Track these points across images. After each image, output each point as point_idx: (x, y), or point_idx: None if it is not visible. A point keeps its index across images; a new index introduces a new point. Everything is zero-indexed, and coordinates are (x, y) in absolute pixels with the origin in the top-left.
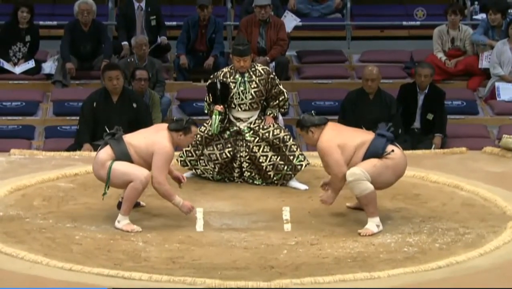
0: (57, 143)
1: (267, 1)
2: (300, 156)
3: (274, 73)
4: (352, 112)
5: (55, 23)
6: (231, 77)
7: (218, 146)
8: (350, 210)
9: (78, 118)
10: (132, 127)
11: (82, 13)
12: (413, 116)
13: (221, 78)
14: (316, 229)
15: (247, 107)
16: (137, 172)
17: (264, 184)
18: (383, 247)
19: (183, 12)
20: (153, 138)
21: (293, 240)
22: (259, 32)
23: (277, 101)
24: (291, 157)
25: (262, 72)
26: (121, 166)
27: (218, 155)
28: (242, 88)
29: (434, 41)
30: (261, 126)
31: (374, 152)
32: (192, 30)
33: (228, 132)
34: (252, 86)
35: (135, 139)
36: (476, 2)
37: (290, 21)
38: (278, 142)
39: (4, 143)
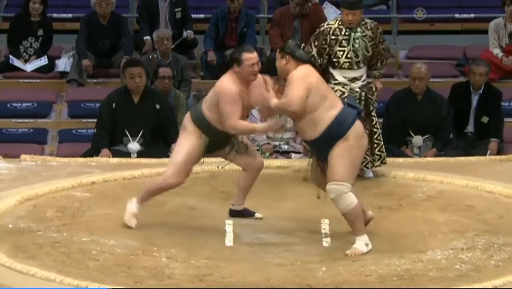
0: (72, 148)
1: None
2: (381, 152)
3: (380, 28)
4: (398, 114)
5: (70, 15)
6: (342, 33)
7: None
8: (396, 224)
9: (95, 120)
10: (155, 131)
11: (100, 4)
12: (466, 119)
13: (331, 36)
14: None
15: (362, 64)
16: (174, 168)
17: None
18: (432, 264)
19: (211, 3)
20: (216, 88)
21: (333, 256)
22: (294, 25)
23: (382, 60)
24: (374, 146)
25: (372, 25)
26: (181, 143)
27: None
28: (357, 45)
29: (489, 36)
30: (369, 92)
31: (343, 121)
32: (222, 24)
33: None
34: (368, 41)
35: (208, 95)
36: None
37: (330, 13)
38: (374, 124)
39: (14, 148)
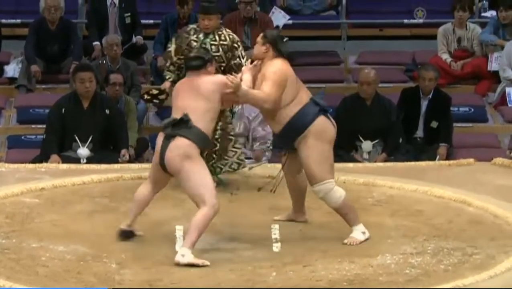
0: (21, 154)
1: None
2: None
3: (239, 44)
4: (347, 119)
5: (19, 21)
6: (195, 35)
7: None
8: (346, 229)
9: (44, 126)
10: (105, 136)
11: (49, 10)
12: (415, 124)
13: (185, 34)
14: (309, 249)
15: None
16: (212, 194)
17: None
18: (382, 268)
19: (161, 9)
20: (199, 93)
21: (283, 261)
22: (244, 30)
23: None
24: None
25: (227, 37)
26: (199, 170)
27: None
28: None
29: (438, 41)
30: None
31: (302, 117)
32: (171, 29)
33: None
34: (213, 50)
35: (191, 107)
36: None
37: (279, 18)
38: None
39: None
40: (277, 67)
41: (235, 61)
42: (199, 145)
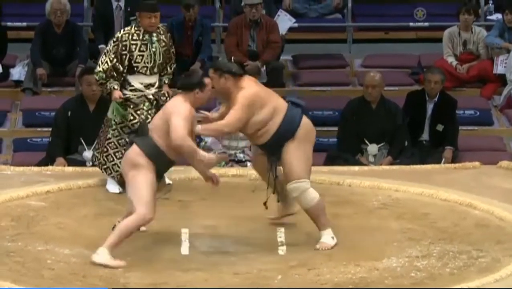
0: (26, 157)
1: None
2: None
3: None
4: (353, 123)
5: (25, 24)
6: (140, 38)
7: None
8: (351, 232)
9: (50, 129)
10: None
11: (55, 13)
12: (421, 127)
13: (129, 41)
14: (314, 253)
15: (157, 69)
16: (147, 205)
17: None
18: (388, 272)
19: (166, 12)
20: (167, 110)
21: (289, 265)
22: (250, 34)
23: (172, 66)
24: None
25: (164, 29)
26: (140, 180)
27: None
28: (154, 49)
29: (444, 44)
30: (161, 99)
31: (289, 124)
32: (177, 32)
33: (144, 114)
34: (162, 45)
35: (154, 124)
36: (491, 1)
37: (284, 21)
38: None
39: None
40: (245, 93)
41: (172, 50)
42: (149, 158)
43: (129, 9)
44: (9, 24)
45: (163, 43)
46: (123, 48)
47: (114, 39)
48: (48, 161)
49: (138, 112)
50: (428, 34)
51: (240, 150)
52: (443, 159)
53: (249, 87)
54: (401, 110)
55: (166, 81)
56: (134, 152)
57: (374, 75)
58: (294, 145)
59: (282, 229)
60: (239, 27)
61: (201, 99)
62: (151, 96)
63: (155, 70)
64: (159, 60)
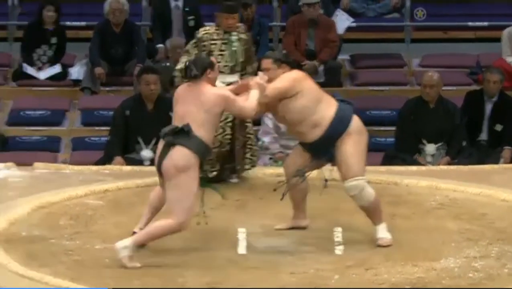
0: (85, 156)
1: None
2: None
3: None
4: (411, 123)
5: (83, 23)
6: (220, 37)
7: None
8: (409, 232)
9: (108, 128)
10: None
11: (113, 12)
12: (479, 127)
13: (210, 41)
14: (372, 252)
15: (239, 67)
16: (187, 213)
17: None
18: (445, 272)
19: None
20: (200, 102)
21: (346, 264)
22: (308, 33)
23: (253, 65)
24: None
25: (243, 29)
26: (191, 185)
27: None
28: (234, 48)
29: (503, 44)
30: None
31: (342, 118)
32: None
33: None
34: (242, 44)
35: (194, 121)
36: None
37: (342, 21)
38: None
39: (27, 156)
40: (290, 74)
41: (253, 49)
42: (199, 156)
43: (187, 9)
44: (67, 23)
45: (243, 42)
46: (204, 48)
47: (195, 40)
48: (106, 160)
49: None
50: (487, 33)
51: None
52: (502, 159)
53: (297, 74)
54: (459, 110)
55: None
56: (182, 153)
57: (432, 74)
58: (351, 142)
59: (340, 229)
60: (297, 26)
61: (213, 79)
62: None
63: (237, 68)
64: (241, 58)
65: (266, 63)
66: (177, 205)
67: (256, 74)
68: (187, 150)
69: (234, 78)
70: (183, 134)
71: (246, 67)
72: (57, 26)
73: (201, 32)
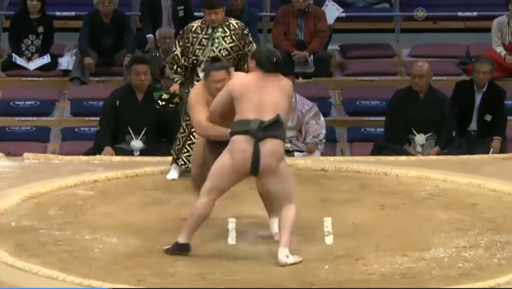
0: (74, 146)
1: None
2: None
3: (248, 30)
4: (401, 113)
5: (73, 13)
6: (203, 32)
7: None
8: (398, 222)
9: (98, 118)
10: (158, 129)
11: (102, 2)
12: (469, 117)
13: (193, 34)
14: (361, 242)
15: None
16: (294, 190)
17: None
18: (435, 262)
19: None
20: (284, 87)
21: (335, 254)
22: (298, 23)
23: (246, 64)
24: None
25: (236, 26)
26: (290, 173)
27: None
28: (216, 44)
29: (493, 34)
30: None
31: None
32: None
33: None
34: (227, 42)
35: (281, 109)
36: None
37: (332, 11)
38: None
39: (17, 146)
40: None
41: (248, 47)
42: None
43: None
44: (57, 13)
45: (230, 40)
46: (186, 41)
47: (181, 32)
48: (96, 150)
49: None
50: (476, 23)
51: (287, 140)
52: (491, 149)
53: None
54: (449, 100)
55: None
56: (278, 145)
57: (422, 64)
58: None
59: (329, 219)
60: (287, 16)
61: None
62: None
63: None
64: (224, 56)
65: (220, 74)
66: (289, 191)
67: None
68: (280, 140)
69: None
70: (275, 125)
71: (238, 64)
72: (42, 15)
73: (189, 25)
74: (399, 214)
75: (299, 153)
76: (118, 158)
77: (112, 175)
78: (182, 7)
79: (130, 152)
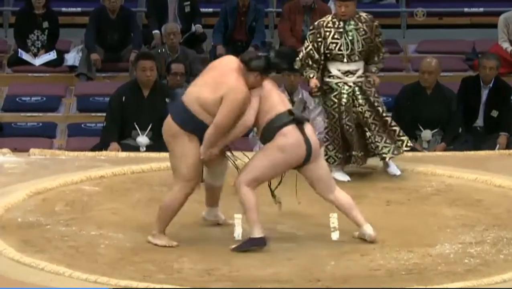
0: (81, 142)
1: None
2: (402, 136)
3: (377, 22)
4: (407, 108)
5: (79, 9)
6: (335, 26)
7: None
8: (404, 218)
9: (104, 114)
10: None
11: None
12: (475, 113)
13: (325, 28)
14: None
15: (356, 57)
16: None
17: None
18: (441, 258)
19: None
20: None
21: (342, 250)
22: (303, 19)
23: (380, 55)
24: (392, 133)
25: (367, 18)
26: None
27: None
28: (350, 37)
29: (499, 30)
30: (366, 85)
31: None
32: (230, 18)
33: (344, 97)
34: (361, 34)
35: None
36: None
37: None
38: (382, 113)
39: (23, 142)
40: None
41: (378, 40)
42: None
43: None
44: (63, 9)
45: (363, 32)
46: (318, 36)
47: (311, 27)
48: (102, 146)
49: (337, 96)
50: (483, 19)
51: None
52: (498, 145)
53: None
54: (455, 96)
55: (373, 70)
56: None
57: (430, 60)
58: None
59: (335, 215)
60: (293, 12)
61: (255, 85)
62: (351, 84)
63: (355, 58)
64: (358, 48)
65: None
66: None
67: (381, 62)
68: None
69: (352, 66)
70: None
71: (373, 57)
72: (47, 10)
73: (322, 22)
74: (404, 210)
75: None
76: (124, 154)
77: (119, 171)
78: (189, 2)
79: (136, 148)
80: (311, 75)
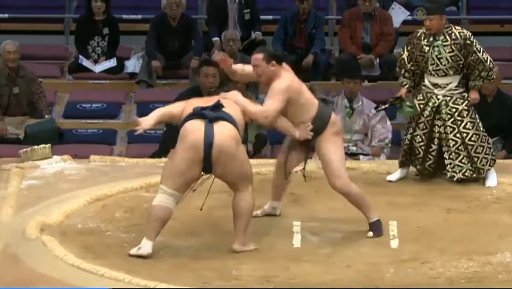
0: (141, 149)
1: None
2: (484, 159)
3: (472, 39)
4: None
5: (140, 17)
6: (425, 40)
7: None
8: (465, 226)
9: None
10: None
11: (170, 6)
12: None
13: (416, 40)
14: (426, 246)
15: (443, 72)
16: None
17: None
18: (502, 266)
19: (280, 5)
20: None
21: (401, 258)
22: (364, 26)
23: (477, 72)
24: (475, 159)
25: (458, 36)
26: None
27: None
28: (436, 53)
29: None
30: (457, 101)
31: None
32: (290, 25)
33: (428, 109)
34: (447, 51)
35: None
36: None
37: (398, 14)
38: (469, 133)
39: (83, 148)
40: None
41: (471, 58)
42: None
43: (243, 2)
44: (124, 16)
45: (450, 49)
46: (411, 46)
47: (409, 36)
48: (161, 153)
49: (422, 106)
50: None
51: (353, 143)
52: None
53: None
54: None
55: (472, 86)
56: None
57: None
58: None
59: (395, 223)
60: (353, 19)
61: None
62: (440, 96)
63: (441, 73)
64: (445, 64)
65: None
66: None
67: (487, 78)
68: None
69: (441, 80)
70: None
71: (471, 72)
72: (107, 16)
73: (412, 35)
74: (465, 218)
75: (364, 157)
76: None
77: None
78: (249, 10)
79: None
80: (404, 83)
